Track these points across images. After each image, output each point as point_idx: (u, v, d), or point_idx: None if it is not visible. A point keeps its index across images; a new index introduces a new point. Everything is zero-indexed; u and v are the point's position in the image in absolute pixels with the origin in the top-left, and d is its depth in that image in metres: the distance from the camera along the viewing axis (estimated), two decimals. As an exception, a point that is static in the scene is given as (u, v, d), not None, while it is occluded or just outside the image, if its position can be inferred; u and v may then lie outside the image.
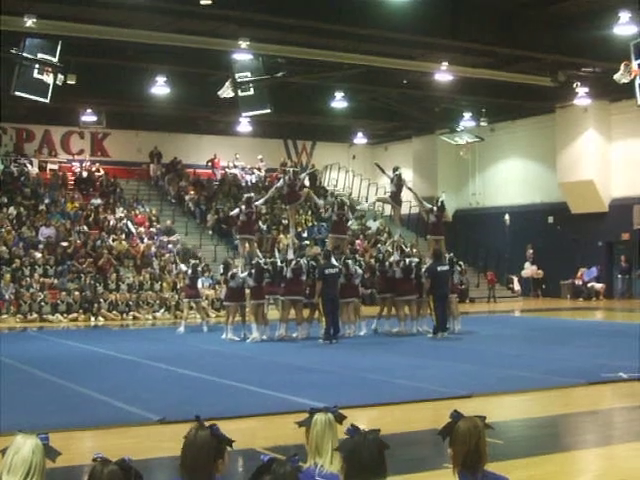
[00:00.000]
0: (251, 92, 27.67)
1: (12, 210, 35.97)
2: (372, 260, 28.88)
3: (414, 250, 36.21)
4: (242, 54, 27.21)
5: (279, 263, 23.62)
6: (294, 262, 23.25)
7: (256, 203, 25.77)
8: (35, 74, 24.74)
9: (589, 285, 38.76)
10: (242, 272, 23.46)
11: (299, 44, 28.35)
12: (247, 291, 23.44)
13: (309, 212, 43.54)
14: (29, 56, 24.45)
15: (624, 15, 24.64)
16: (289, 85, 34.21)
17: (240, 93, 27.52)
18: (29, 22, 23.71)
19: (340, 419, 5.01)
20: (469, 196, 45.28)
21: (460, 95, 37.46)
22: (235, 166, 46.03)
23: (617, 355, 18.34)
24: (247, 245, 25.16)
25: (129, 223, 37.93)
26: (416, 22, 24.68)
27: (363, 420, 11.30)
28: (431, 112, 42.33)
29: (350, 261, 24.44)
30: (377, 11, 23.66)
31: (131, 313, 31.23)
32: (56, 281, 31.97)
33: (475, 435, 4.47)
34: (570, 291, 39.43)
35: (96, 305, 30.83)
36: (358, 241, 40.86)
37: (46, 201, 37.73)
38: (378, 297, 25.88)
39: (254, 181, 45.80)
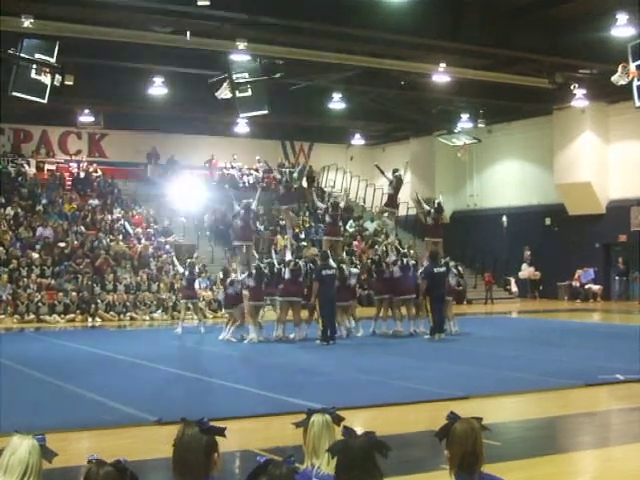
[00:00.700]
0: (249, 93, 27.58)
1: (9, 210, 35.95)
2: (369, 261, 28.86)
3: (411, 251, 36.20)
4: (240, 55, 27.17)
5: (276, 264, 23.63)
6: (292, 263, 23.25)
7: (252, 207, 25.64)
8: (33, 75, 24.65)
9: (586, 287, 38.77)
10: (240, 276, 23.50)
11: (297, 45, 28.35)
12: (245, 292, 23.41)
13: (307, 213, 43.56)
14: (27, 57, 24.37)
15: (622, 17, 24.65)
16: (287, 86, 34.18)
17: (238, 94, 27.42)
18: (27, 23, 23.69)
19: (338, 420, 5.00)
20: (466, 197, 45.31)
21: (458, 96, 37.46)
22: (233, 167, 46.02)
23: (614, 357, 18.36)
24: (244, 250, 25.11)
25: (126, 224, 37.93)
26: (414, 23, 24.68)
27: (360, 421, 11.31)
28: (429, 113, 42.31)
29: (344, 265, 24.45)
30: (375, 12, 23.65)
31: (128, 314, 31.21)
32: (53, 282, 31.95)
33: (472, 437, 4.47)
34: (567, 293, 39.45)
35: (93, 306, 30.81)
36: (355, 242, 40.87)
37: (43, 201, 37.71)
38: (375, 298, 25.84)
39: (252, 182, 45.83)
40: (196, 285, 28.01)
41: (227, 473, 8.96)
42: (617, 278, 38.21)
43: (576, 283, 39.08)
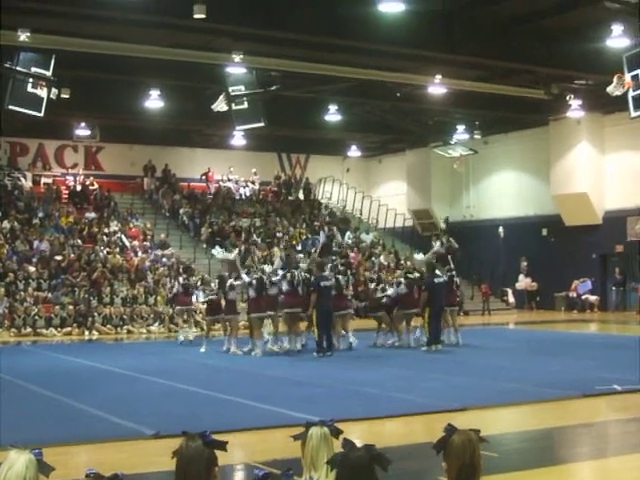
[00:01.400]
0: (245, 106, 27.67)
1: (6, 224, 35.92)
2: (366, 273, 28.89)
3: (408, 262, 36.22)
4: (236, 68, 27.23)
5: (265, 276, 23.52)
6: (289, 275, 23.26)
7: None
8: (29, 88, 24.74)
9: (583, 297, 38.76)
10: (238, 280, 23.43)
11: (293, 57, 28.39)
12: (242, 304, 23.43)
13: (303, 225, 43.58)
14: (23, 70, 24.45)
15: (617, 28, 24.71)
16: (283, 98, 34.23)
17: (234, 107, 27.52)
18: (23, 36, 23.73)
19: (336, 433, 5.00)
20: (463, 209, 45.32)
21: (454, 108, 37.54)
22: (229, 179, 46.06)
23: (611, 367, 18.36)
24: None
25: (123, 237, 37.93)
26: (410, 35, 24.73)
27: (357, 433, 11.29)
28: (425, 125, 42.41)
29: (340, 276, 24.48)
30: (371, 24, 23.69)
31: (125, 327, 31.16)
32: (50, 295, 31.91)
33: (469, 449, 4.46)
34: (564, 303, 39.44)
35: (90, 319, 30.75)
36: (352, 254, 40.86)
37: (40, 215, 37.71)
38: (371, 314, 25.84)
39: (248, 194, 45.89)
40: (193, 298, 28.02)
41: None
42: (614, 288, 38.21)
43: (573, 294, 39.07)
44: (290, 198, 47.11)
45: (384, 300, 24.47)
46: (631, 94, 23.78)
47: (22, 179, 40.85)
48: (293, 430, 5.33)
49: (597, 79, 30.05)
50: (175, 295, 28.21)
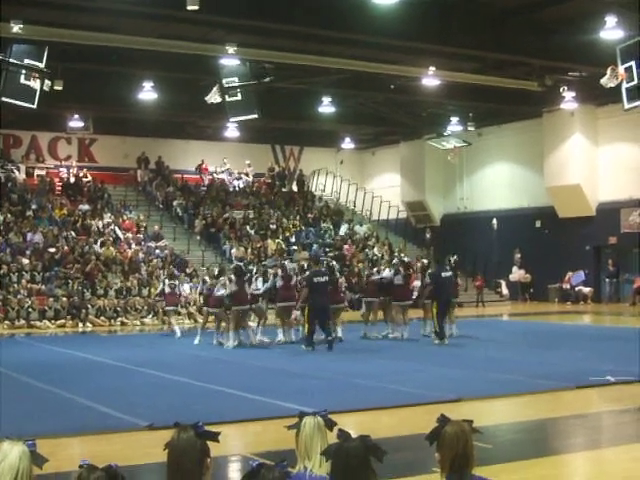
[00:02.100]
0: (238, 97, 27.59)
1: (-1, 216, 35.90)
2: (360, 265, 28.88)
3: (402, 254, 36.23)
4: (229, 59, 27.17)
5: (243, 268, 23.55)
6: (281, 269, 23.37)
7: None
8: (22, 80, 24.62)
9: (577, 289, 38.82)
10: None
11: (286, 49, 28.35)
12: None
13: (297, 217, 43.59)
14: (16, 62, 24.34)
15: (610, 19, 24.71)
16: (276, 90, 34.19)
17: (227, 98, 27.43)
18: (15, 28, 23.65)
19: (330, 425, 4.99)
20: (457, 200, 45.35)
21: (447, 100, 37.51)
22: (223, 171, 46.01)
23: (605, 359, 18.40)
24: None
25: (117, 229, 37.88)
26: (403, 27, 24.70)
27: (352, 425, 11.29)
28: (418, 117, 42.39)
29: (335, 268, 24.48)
30: (364, 16, 23.66)
31: (119, 319, 31.13)
32: (44, 287, 31.86)
33: (462, 439, 4.47)
34: (558, 295, 39.50)
35: (84, 311, 30.71)
36: (346, 246, 40.88)
37: (33, 207, 37.65)
38: (364, 301, 25.77)
39: (242, 186, 45.85)
40: (187, 289, 27.98)
41: (219, 478, 8.96)
42: (607, 280, 38.27)
43: (566, 285, 39.13)
44: (284, 190, 47.09)
45: (382, 279, 24.46)
46: (624, 86, 23.78)
47: (15, 171, 40.78)
48: (287, 421, 5.32)
49: (591, 71, 30.05)
50: (162, 294, 27.84)
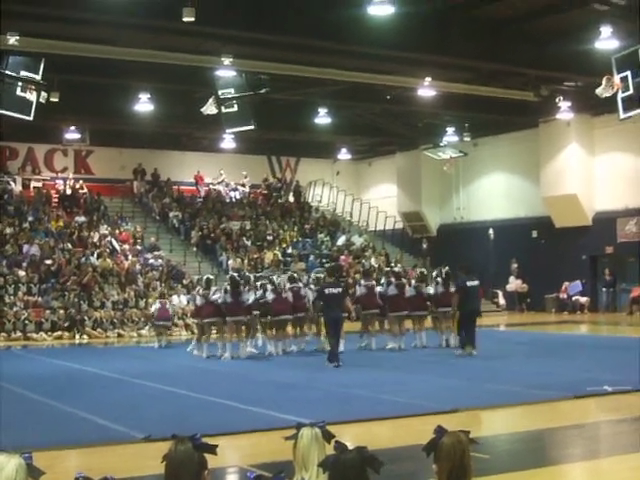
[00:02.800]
0: (234, 108, 27.65)
1: (-5, 228, 35.86)
2: (357, 275, 28.84)
3: (399, 265, 36.23)
4: (225, 71, 27.22)
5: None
6: (270, 284, 23.46)
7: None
8: (18, 92, 24.66)
9: (574, 299, 38.80)
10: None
11: (282, 60, 28.38)
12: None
13: (294, 228, 43.60)
14: (12, 74, 24.38)
15: (605, 30, 24.77)
16: (273, 101, 34.22)
17: (223, 110, 27.49)
18: (12, 40, 23.67)
19: (328, 437, 4.99)
20: (453, 211, 45.36)
21: (443, 110, 37.56)
22: (219, 182, 46.00)
23: (602, 368, 18.40)
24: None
25: (113, 240, 37.85)
26: (400, 38, 24.73)
27: (349, 436, 11.27)
28: (414, 127, 42.44)
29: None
30: (360, 27, 23.68)
31: (116, 331, 31.10)
32: (40, 299, 31.82)
33: (459, 450, 4.46)
34: (555, 305, 39.49)
35: (80, 323, 30.67)
36: (343, 257, 40.88)
37: (30, 219, 37.63)
38: (362, 314, 25.72)
39: (238, 197, 45.85)
40: (184, 301, 27.95)
41: (216, 489, 8.94)
42: (604, 290, 38.28)
43: (563, 295, 39.12)
44: (280, 201, 47.08)
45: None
46: (620, 95, 23.82)
47: (12, 183, 40.76)
48: (284, 433, 5.32)
49: (586, 81, 30.12)
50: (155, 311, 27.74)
